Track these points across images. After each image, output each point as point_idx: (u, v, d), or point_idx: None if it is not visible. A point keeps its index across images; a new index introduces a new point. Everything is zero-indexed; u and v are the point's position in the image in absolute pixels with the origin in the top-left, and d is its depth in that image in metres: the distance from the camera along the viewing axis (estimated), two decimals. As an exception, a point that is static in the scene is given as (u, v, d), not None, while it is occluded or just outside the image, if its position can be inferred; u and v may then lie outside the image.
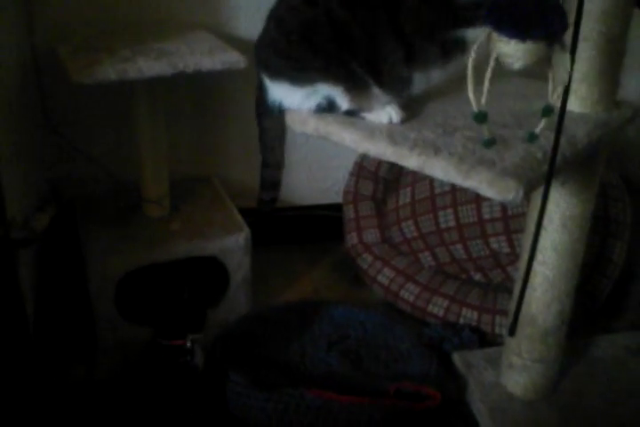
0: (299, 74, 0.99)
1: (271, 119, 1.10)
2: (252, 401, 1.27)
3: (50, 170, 1.74)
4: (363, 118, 1.02)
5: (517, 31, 0.79)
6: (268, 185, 1.20)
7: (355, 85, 0.99)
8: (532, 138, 0.92)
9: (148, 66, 1.37)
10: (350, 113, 1.02)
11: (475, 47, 0.82)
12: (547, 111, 0.88)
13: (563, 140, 0.93)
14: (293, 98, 1.02)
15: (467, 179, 0.88)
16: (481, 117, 0.86)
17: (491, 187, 0.86)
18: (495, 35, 0.81)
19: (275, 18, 1.00)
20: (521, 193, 0.85)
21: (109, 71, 1.33)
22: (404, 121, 1.00)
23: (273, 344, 1.50)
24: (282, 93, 1.03)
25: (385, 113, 1.00)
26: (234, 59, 1.45)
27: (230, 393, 1.31)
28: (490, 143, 0.89)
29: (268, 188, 1.20)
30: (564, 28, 0.78)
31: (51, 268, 1.68)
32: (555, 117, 0.88)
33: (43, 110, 1.67)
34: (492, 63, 0.82)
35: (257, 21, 1.69)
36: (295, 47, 0.97)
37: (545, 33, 0.78)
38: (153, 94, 1.54)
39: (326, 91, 0.99)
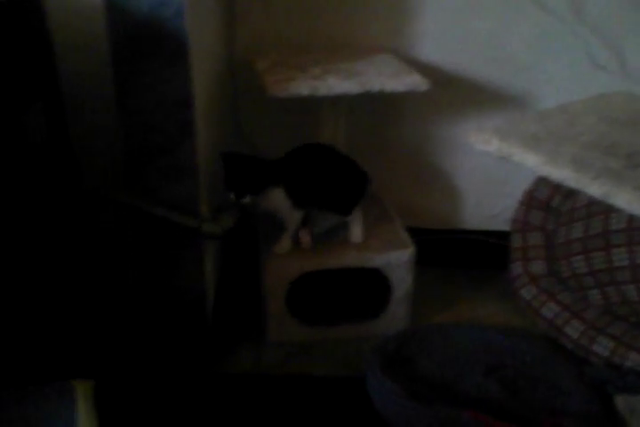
0: None
1: None
2: (407, 411, 1.29)
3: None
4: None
5: None
6: None
7: None
8: None
9: (337, 84, 1.45)
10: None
11: None
12: None
13: None
14: None
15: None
16: None
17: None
18: None
19: None
20: None
21: (302, 87, 1.43)
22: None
23: (428, 363, 1.51)
24: None
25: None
26: (417, 81, 1.49)
27: (386, 400, 1.35)
28: None
29: None
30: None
31: (230, 264, 1.81)
32: None
33: (235, 120, 1.80)
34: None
35: (441, 46, 1.75)
36: None
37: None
38: (337, 111, 1.62)
39: None
